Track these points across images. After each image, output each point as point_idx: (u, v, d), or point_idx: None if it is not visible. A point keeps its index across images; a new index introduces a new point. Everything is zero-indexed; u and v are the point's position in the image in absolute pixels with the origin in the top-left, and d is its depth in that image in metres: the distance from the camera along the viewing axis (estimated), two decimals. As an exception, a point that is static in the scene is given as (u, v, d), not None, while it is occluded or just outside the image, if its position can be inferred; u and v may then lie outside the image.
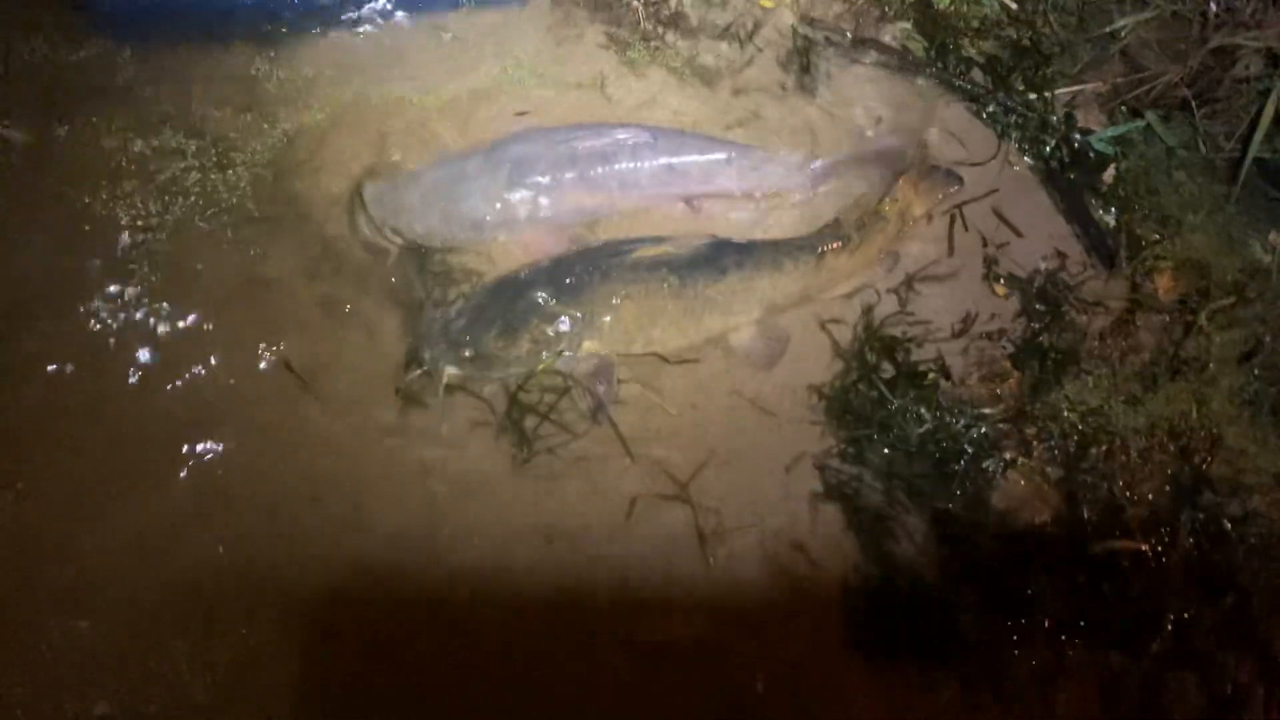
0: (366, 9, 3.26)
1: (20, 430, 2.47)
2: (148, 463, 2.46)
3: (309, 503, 2.47)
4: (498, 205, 2.74)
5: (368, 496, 2.48)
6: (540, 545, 2.47)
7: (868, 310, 2.77)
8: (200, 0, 3.09)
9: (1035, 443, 2.60)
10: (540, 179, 2.75)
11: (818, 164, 2.89)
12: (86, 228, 2.75)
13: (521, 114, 3.01)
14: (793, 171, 2.87)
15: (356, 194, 2.78)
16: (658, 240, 2.68)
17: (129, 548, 2.36)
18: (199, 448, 2.49)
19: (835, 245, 2.67)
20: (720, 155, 2.85)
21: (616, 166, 2.77)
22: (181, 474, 2.45)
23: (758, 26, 3.35)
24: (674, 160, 2.81)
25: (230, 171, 2.87)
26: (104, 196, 2.78)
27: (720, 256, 2.63)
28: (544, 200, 2.76)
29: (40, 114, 2.89)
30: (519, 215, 2.76)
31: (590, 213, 2.82)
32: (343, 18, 3.22)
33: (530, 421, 2.59)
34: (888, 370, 2.69)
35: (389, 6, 3.26)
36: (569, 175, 2.75)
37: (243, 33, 3.12)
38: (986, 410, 2.62)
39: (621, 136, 2.80)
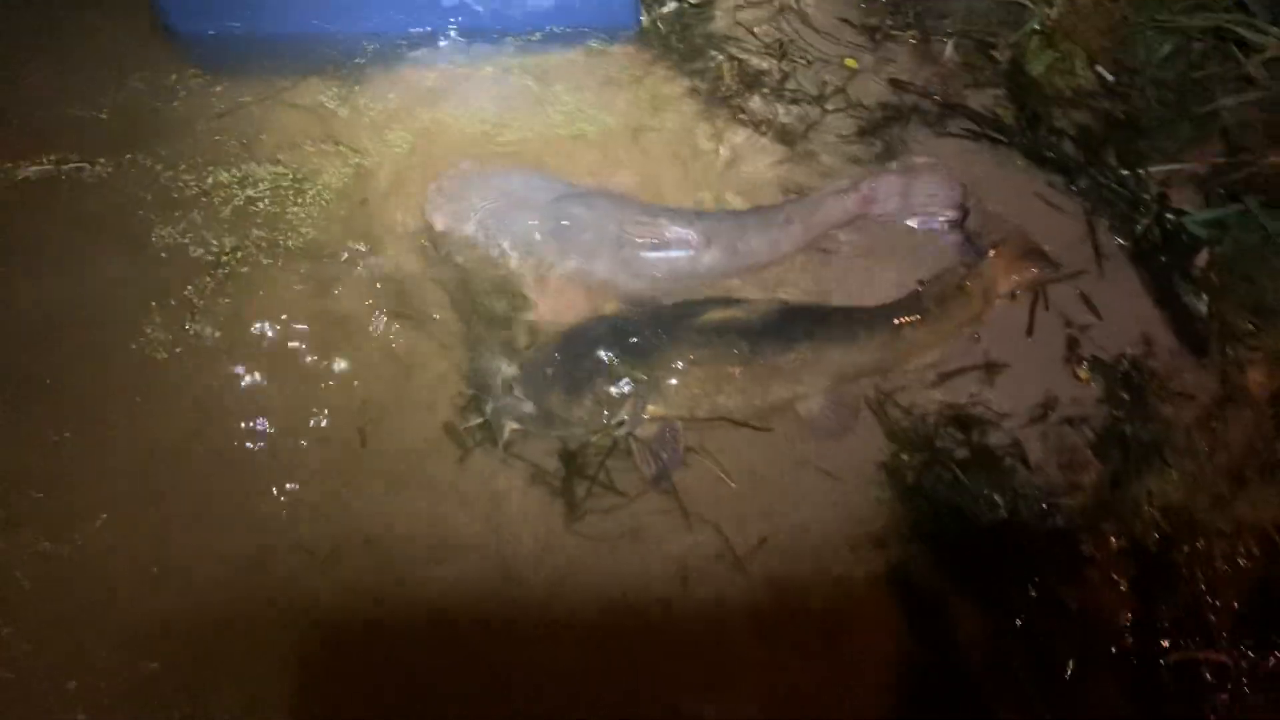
0: (446, 43, 3.30)
1: (83, 466, 2.48)
2: (207, 504, 2.45)
3: (363, 545, 2.44)
4: (539, 239, 2.76)
5: (419, 544, 2.45)
6: (589, 606, 2.40)
7: (941, 385, 2.67)
8: (287, 31, 3.16)
9: (1113, 538, 2.48)
10: (583, 245, 2.75)
11: (865, 185, 2.85)
12: (163, 255, 2.80)
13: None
14: (845, 198, 2.84)
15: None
16: (728, 303, 2.62)
17: (185, 590, 2.36)
18: (259, 486, 2.48)
19: (913, 319, 2.59)
20: (779, 217, 2.81)
21: (664, 255, 2.76)
22: (241, 514, 2.44)
23: (841, 89, 3.30)
24: (737, 244, 2.77)
25: (304, 203, 2.89)
26: (177, 228, 2.82)
27: (791, 324, 2.56)
28: (582, 264, 2.76)
29: (124, 146, 2.96)
30: (556, 263, 2.76)
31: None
32: (422, 50, 3.26)
33: (586, 478, 2.54)
34: (959, 446, 2.58)
35: (468, 39, 3.30)
36: (605, 259, 2.75)
37: (325, 65, 3.18)
38: (1064, 500, 2.51)
39: (676, 232, 2.76)
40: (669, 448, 2.53)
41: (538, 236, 2.77)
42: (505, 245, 2.79)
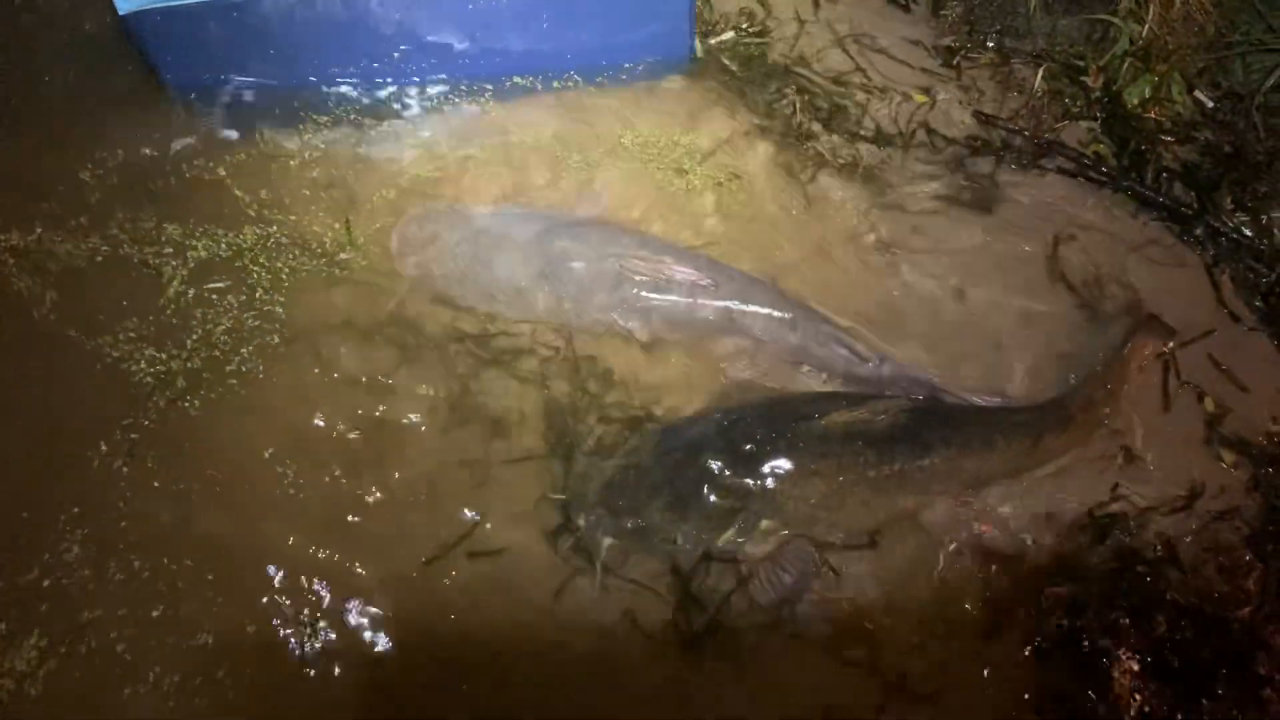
0: (467, 88, 2.94)
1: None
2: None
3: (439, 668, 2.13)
4: (526, 280, 2.47)
5: (511, 675, 2.14)
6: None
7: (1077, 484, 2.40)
8: (292, 84, 2.80)
9: (1291, 654, 2.25)
10: (576, 282, 2.47)
11: (887, 367, 2.47)
12: (174, 321, 2.42)
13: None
14: (856, 365, 2.47)
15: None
16: (850, 402, 2.33)
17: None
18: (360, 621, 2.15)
19: (1057, 429, 2.33)
20: (786, 313, 2.49)
21: (664, 298, 2.46)
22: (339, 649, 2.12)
23: (924, 125, 3.00)
24: (733, 306, 2.47)
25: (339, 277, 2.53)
26: (186, 300, 2.45)
27: (924, 430, 2.28)
28: (568, 305, 2.48)
29: (130, 211, 2.57)
30: (539, 304, 2.48)
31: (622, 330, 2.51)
32: (443, 95, 2.92)
33: (697, 602, 2.24)
34: (1100, 552, 2.33)
35: (498, 83, 2.94)
36: (602, 296, 2.46)
37: (340, 114, 2.83)
38: (1229, 612, 2.26)
39: (683, 271, 2.47)
40: (793, 570, 2.23)
41: (524, 277, 2.47)
42: (489, 287, 2.49)
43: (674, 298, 2.46)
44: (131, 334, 2.37)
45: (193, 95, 2.79)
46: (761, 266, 2.64)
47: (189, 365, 2.35)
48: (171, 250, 2.52)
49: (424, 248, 2.52)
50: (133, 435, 2.24)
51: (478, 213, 2.60)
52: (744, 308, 2.48)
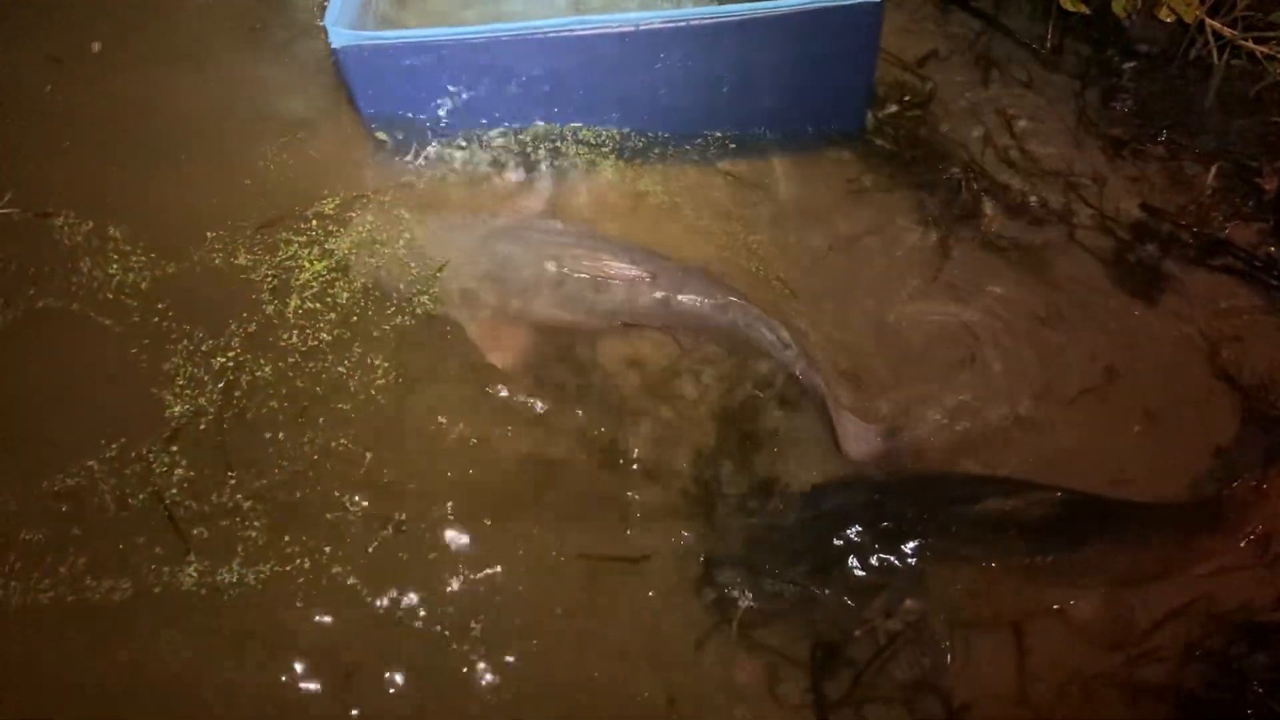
0: (642, 144, 3.02)
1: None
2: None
3: None
4: (473, 283, 2.64)
5: None
6: None
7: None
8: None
9: None
10: (521, 283, 2.61)
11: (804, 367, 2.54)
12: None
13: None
14: (779, 349, 2.56)
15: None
16: (1003, 488, 2.33)
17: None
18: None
19: (1214, 530, 2.29)
20: (721, 300, 2.61)
21: (601, 297, 2.59)
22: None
23: (1096, 211, 2.99)
24: (670, 296, 2.60)
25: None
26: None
27: (1077, 522, 2.27)
28: (515, 302, 2.61)
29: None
30: (487, 300, 2.63)
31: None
32: (616, 150, 3.03)
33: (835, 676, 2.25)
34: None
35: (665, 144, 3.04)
36: (545, 295, 2.60)
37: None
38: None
39: (620, 268, 2.60)
40: (929, 652, 2.24)
41: (472, 281, 2.61)
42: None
43: (613, 293, 2.59)
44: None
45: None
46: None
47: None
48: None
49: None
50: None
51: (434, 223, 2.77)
52: (680, 296, 2.59)
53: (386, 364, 2.58)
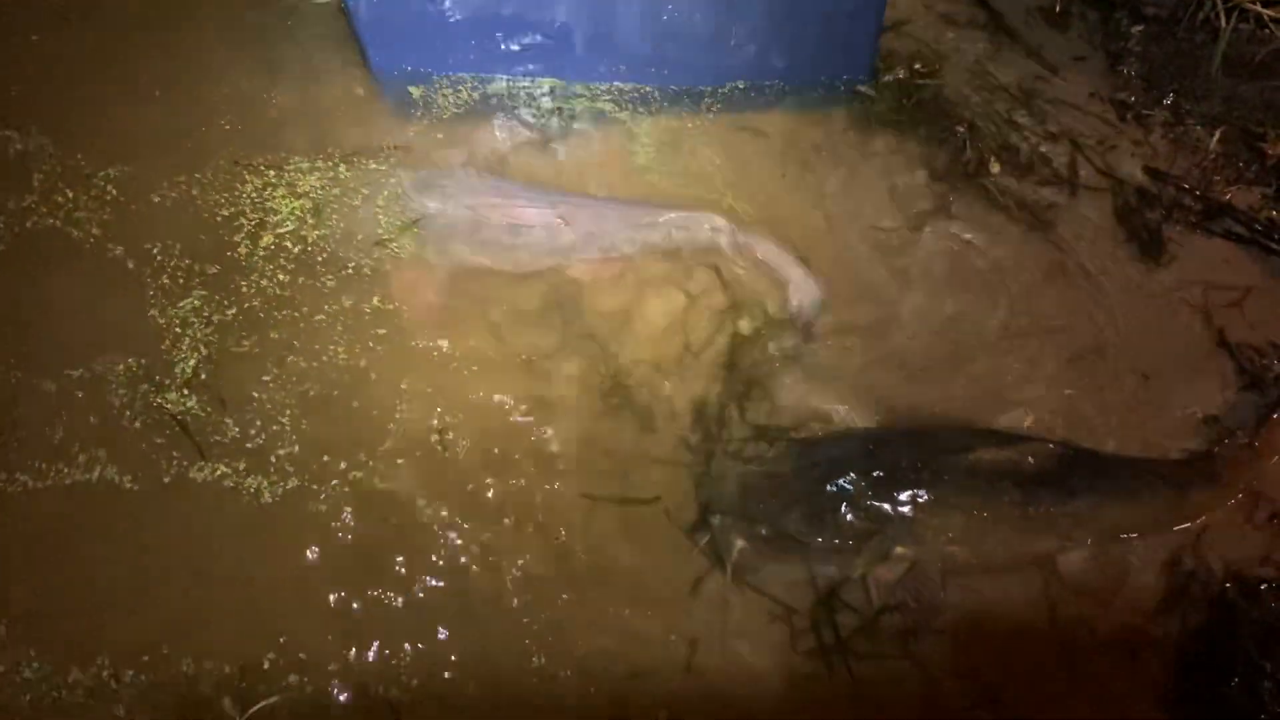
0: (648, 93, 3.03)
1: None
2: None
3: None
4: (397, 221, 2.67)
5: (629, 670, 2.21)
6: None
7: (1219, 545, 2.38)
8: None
9: None
10: (440, 233, 2.66)
11: (744, 237, 2.69)
12: None
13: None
14: (721, 234, 2.69)
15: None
16: (999, 440, 2.35)
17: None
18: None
19: (1204, 486, 2.32)
20: (643, 217, 2.70)
21: (521, 241, 2.66)
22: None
23: (1103, 170, 2.99)
24: (595, 230, 2.67)
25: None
26: None
27: (1070, 474, 2.29)
28: (432, 249, 2.66)
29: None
30: (418, 254, 2.66)
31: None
32: (619, 101, 3.03)
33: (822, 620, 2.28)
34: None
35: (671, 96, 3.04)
36: (462, 242, 2.65)
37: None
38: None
39: (533, 213, 2.66)
40: (922, 597, 2.27)
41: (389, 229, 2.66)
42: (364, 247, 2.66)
43: (530, 237, 2.65)
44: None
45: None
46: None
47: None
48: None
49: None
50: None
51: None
52: (600, 227, 2.67)
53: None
